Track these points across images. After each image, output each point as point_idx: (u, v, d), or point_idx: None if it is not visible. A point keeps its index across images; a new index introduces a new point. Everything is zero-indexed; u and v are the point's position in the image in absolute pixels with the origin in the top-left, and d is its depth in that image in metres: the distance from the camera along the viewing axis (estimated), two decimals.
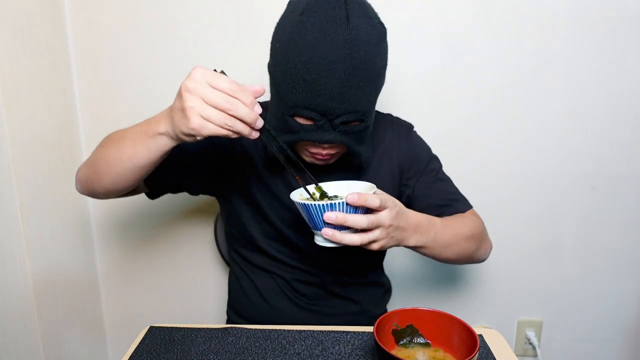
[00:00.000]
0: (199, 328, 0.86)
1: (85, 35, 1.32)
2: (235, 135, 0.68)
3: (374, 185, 0.75)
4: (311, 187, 0.78)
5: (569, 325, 1.51)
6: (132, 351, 0.80)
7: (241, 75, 1.32)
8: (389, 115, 1.05)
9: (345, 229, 0.70)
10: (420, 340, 0.71)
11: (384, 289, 1.12)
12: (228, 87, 0.66)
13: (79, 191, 0.91)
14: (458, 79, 1.32)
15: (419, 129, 1.05)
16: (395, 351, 0.70)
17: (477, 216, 0.99)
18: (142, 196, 0.97)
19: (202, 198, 1.39)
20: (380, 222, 0.71)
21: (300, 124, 0.81)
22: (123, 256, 1.49)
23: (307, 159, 0.89)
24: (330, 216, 0.68)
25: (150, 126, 0.74)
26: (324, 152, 0.85)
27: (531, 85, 1.32)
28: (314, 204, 0.69)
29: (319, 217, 0.69)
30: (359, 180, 0.80)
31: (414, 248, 0.82)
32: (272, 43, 0.83)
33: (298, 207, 0.72)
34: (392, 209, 0.72)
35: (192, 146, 0.88)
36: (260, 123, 0.69)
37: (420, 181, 0.99)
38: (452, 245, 0.87)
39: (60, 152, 1.27)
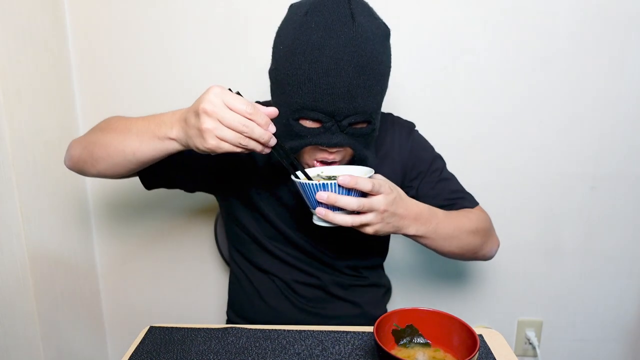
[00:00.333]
0: (199, 328, 0.86)
1: (85, 35, 1.32)
2: (247, 152, 0.71)
3: (372, 170, 0.78)
4: (314, 170, 0.82)
5: (569, 325, 1.51)
6: (132, 351, 0.80)
7: (241, 75, 1.33)
8: (390, 115, 1.05)
9: (340, 211, 0.73)
10: (420, 340, 0.71)
11: (384, 289, 1.11)
12: (244, 110, 0.67)
13: (67, 166, 0.91)
14: (458, 79, 1.32)
15: (418, 129, 1.05)
16: (395, 351, 0.70)
17: (484, 212, 0.98)
18: (142, 196, 0.97)
19: (202, 198, 1.39)
20: (373, 206, 0.72)
21: (306, 127, 0.80)
22: (123, 256, 1.49)
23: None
24: (322, 196, 0.71)
25: (160, 128, 0.75)
26: (330, 157, 0.83)
27: (531, 85, 1.32)
28: (309, 184, 0.72)
29: (314, 196, 0.73)
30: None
31: (414, 238, 0.83)
32: (275, 46, 0.82)
33: (297, 187, 0.75)
34: (387, 195, 0.74)
35: None
36: (273, 142, 0.71)
37: (424, 182, 0.98)
38: (454, 238, 0.86)
39: (60, 152, 1.27)
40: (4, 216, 1.10)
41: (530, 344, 1.50)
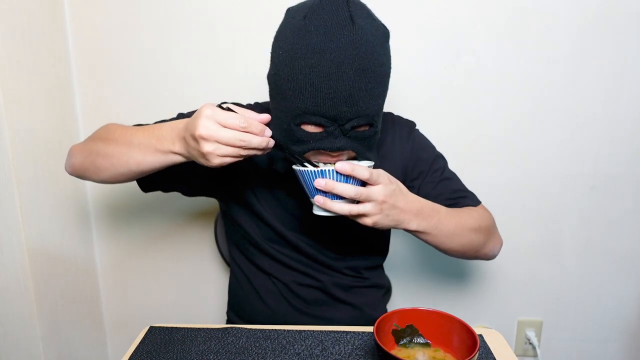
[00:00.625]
0: (199, 328, 0.86)
1: (85, 35, 1.32)
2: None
3: (372, 163, 0.79)
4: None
5: (569, 325, 1.51)
6: (132, 351, 0.80)
7: (242, 74, 1.33)
8: (390, 114, 1.04)
9: (339, 199, 0.74)
10: (420, 340, 0.72)
11: (385, 289, 1.11)
12: (238, 125, 0.69)
13: (68, 172, 0.93)
14: (458, 79, 1.32)
15: (418, 128, 1.05)
16: (395, 351, 0.70)
17: (487, 210, 0.98)
18: (142, 197, 0.97)
19: (203, 199, 1.39)
20: (371, 196, 0.73)
21: (308, 132, 0.79)
22: (123, 257, 1.49)
23: None
24: (320, 182, 0.72)
25: (162, 143, 0.76)
26: (333, 161, 0.82)
27: (531, 85, 1.32)
28: (307, 170, 0.73)
29: (312, 184, 0.74)
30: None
31: (416, 233, 0.83)
32: (273, 51, 0.81)
33: (296, 175, 0.76)
34: (387, 186, 0.74)
35: None
36: (271, 144, 0.73)
37: (425, 181, 0.98)
38: (456, 235, 0.86)
39: (60, 152, 1.27)
40: (4, 216, 1.10)
41: (530, 344, 1.50)
